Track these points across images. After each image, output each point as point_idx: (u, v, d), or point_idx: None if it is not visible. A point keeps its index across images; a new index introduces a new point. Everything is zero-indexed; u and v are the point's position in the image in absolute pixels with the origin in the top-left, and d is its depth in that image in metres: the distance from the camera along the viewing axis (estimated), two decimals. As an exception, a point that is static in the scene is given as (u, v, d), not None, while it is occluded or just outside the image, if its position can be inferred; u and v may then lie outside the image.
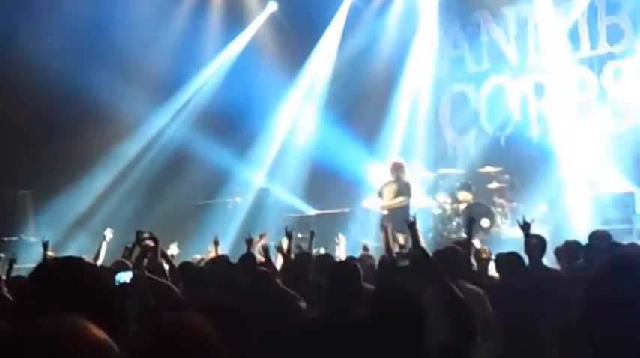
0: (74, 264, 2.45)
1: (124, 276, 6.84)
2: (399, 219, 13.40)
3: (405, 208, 13.58)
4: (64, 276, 2.33)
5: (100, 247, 10.09)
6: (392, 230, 11.34)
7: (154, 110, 17.71)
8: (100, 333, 1.58)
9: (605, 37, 16.60)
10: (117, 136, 17.11)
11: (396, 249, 9.48)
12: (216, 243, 10.78)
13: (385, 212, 13.68)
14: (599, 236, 8.45)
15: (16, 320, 1.90)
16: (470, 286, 6.32)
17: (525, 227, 8.03)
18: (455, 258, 6.73)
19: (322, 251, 11.40)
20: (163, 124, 17.99)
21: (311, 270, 7.64)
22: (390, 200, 13.89)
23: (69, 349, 1.54)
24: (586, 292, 2.30)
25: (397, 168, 14.07)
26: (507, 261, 7.84)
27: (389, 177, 14.08)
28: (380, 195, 14.15)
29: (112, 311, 2.25)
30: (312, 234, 10.11)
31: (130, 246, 9.55)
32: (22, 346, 1.56)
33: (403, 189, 13.94)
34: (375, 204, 14.19)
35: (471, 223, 8.74)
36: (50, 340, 1.56)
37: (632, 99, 16.06)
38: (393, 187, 13.97)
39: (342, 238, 12.14)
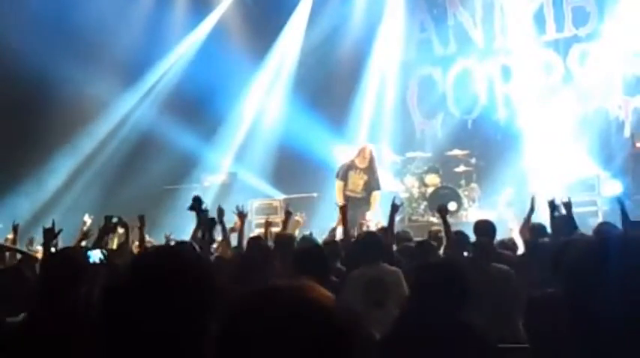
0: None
1: (94, 256, 6.81)
2: (360, 209, 13.57)
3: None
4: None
5: (81, 232, 9.93)
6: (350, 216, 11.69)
7: (120, 93, 17.56)
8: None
9: (570, 20, 16.70)
10: (83, 119, 16.96)
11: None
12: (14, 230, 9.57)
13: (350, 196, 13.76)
14: (561, 222, 8.55)
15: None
16: (390, 267, 7.06)
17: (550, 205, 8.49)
18: (376, 243, 7.43)
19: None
20: (130, 108, 17.84)
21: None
22: (357, 187, 13.90)
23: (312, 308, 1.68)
24: (568, 272, 2.27)
25: (372, 158, 14.07)
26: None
27: (359, 161, 14.02)
28: (343, 177, 14.08)
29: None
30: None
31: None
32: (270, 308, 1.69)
33: (375, 184, 14.00)
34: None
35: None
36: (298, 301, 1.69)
37: (597, 82, 16.19)
38: (363, 178, 13.95)
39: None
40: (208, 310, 2.25)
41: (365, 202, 13.76)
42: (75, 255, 4.65)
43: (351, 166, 14.06)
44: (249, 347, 1.67)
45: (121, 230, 9.48)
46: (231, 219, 9.76)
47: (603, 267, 2.18)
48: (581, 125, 16.03)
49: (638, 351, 2.16)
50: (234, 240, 9.55)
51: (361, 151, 14.14)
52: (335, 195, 13.95)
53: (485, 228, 8.37)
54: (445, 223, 8.44)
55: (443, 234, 8.73)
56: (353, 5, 18.26)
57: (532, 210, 9.20)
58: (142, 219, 9.11)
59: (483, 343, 4.35)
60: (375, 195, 13.85)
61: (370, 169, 13.99)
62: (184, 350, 2.19)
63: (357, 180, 13.94)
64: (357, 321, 1.72)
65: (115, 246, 9.71)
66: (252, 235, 9.91)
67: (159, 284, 2.23)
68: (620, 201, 8.70)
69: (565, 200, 8.65)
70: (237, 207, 9.67)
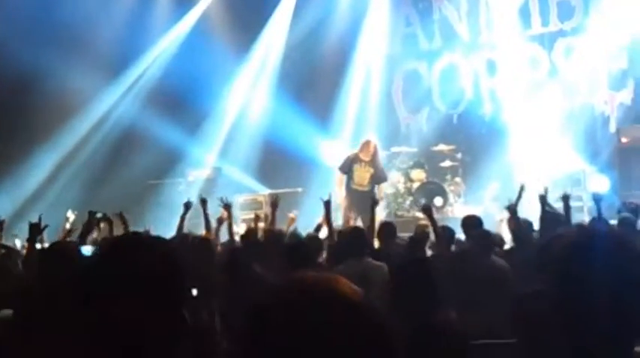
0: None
1: (87, 251, 6.80)
2: (366, 202, 13.57)
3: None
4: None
5: (64, 228, 9.91)
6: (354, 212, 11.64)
7: (103, 87, 17.45)
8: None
9: (556, 14, 16.69)
10: (65, 114, 16.83)
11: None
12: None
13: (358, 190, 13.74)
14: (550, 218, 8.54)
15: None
16: (375, 262, 7.17)
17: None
18: (359, 237, 7.55)
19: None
20: (113, 102, 17.74)
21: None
22: (364, 181, 13.87)
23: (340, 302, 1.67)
24: (554, 267, 2.25)
25: (375, 151, 14.11)
26: None
27: (364, 155, 13.99)
28: (347, 171, 14.01)
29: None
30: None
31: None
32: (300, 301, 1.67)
33: (383, 176, 14.12)
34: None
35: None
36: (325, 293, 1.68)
37: (582, 76, 16.19)
38: (370, 171, 13.92)
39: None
40: (177, 299, 2.25)
41: (370, 195, 13.74)
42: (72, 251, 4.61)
43: (355, 160, 14.03)
44: (284, 336, 1.65)
45: (102, 225, 9.43)
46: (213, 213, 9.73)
47: (589, 263, 2.16)
48: (566, 120, 16.04)
49: (627, 347, 2.17)
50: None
51: (365, 145, 14.15)
52: (335, 189, 13.89)
53: (472, 224, 8.35)
54: (432, 221, 8.48)
55: (430, 229, 8.73)
56: (337, -1, 18.23)
57: (519, 198, 9.24)
58: (122, 217, 9.06)
59: (451, 343, 4.35)
60: (382, 187, 14.08)
61: (375, 162, 14.01)
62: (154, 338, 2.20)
63: (363, 174, 13.93)
64: (381, 311, 1.71)
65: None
66: (246, 229, 9.86)
67: (123, 272, 2.22)
68: (595, 199, 8.76)
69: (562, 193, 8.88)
70: (221, 199, 9.63)
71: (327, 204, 9.23)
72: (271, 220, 9.66)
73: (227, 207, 9.55)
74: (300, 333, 1.63)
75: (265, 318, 1.68)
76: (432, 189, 15.39)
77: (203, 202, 9.46)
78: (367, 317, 1.67)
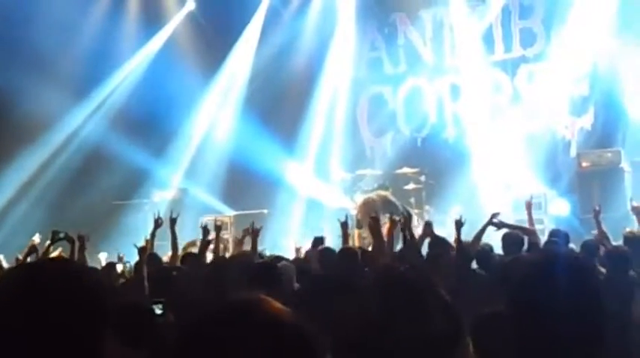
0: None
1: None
2: None
3: None
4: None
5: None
6: None
7: (69, 109, 17.34)
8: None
9: (518, 41, 16.93)
10: (30, 134, 16.70)
11: None
12: None
13: None
14: (512, 238, 8.64)
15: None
16: None
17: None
18: None
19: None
20: (79, 123, 17.63)
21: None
22: None
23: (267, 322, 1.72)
24: (515, 289, 2.31)
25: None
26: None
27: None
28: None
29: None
30: None
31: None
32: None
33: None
34: None
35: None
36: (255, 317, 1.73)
37: (544, 101, 16.39)
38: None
39: None
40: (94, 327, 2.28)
41: None
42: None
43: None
44: (211, 353, 1.71)
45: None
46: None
47: (549, 284, 2.20)
48: (528, 144, 16.20)
49: None
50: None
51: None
52: None
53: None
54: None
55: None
56: (304, 23, 18.33)
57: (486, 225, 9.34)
58: (80, 238, 8.91)
59: None
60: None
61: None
62: None
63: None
64: (310, 330, 1.76)
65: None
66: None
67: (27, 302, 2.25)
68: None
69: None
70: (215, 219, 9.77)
71: (344, 225, 9.29)
72: (216, 245, 9.46)
73: (218, 228, 9.61)
74: (227, 349, 1.68)
75: (194, 336, 1.74)
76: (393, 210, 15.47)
77: (172, 221, 9.27)
78: (293, 336, 1.73)
